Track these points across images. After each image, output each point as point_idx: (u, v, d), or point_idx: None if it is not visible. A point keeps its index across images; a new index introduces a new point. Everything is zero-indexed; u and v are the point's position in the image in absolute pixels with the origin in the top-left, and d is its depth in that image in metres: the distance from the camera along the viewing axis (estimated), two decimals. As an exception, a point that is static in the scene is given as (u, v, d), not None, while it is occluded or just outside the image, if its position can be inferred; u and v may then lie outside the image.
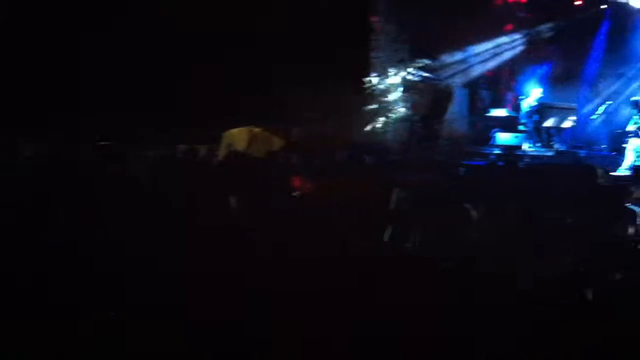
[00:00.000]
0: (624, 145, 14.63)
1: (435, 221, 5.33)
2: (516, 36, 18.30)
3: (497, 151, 14.90)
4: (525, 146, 15.24)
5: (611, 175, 10.53)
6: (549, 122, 16.16)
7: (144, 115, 12.63)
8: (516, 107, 16.94)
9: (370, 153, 10.23)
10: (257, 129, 14.78)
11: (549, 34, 18.18)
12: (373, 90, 14.82)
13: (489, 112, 17.02)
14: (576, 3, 18.01)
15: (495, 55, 18.16)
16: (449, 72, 16.76)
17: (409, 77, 15.44)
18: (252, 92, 13.63)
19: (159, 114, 12.88)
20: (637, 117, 13.61)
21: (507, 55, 18.40)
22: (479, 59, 17.70)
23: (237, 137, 14.44)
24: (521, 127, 16.06)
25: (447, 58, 16.54)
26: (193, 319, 3.44)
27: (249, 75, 13.59)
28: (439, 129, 14.70)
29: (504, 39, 18.13)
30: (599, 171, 7.88)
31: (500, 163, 11.39)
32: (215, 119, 13.41)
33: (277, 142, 14.59)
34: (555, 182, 7.74)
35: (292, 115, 14.10)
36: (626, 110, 14.72)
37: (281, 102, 13.75)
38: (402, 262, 4.64)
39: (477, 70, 17.75)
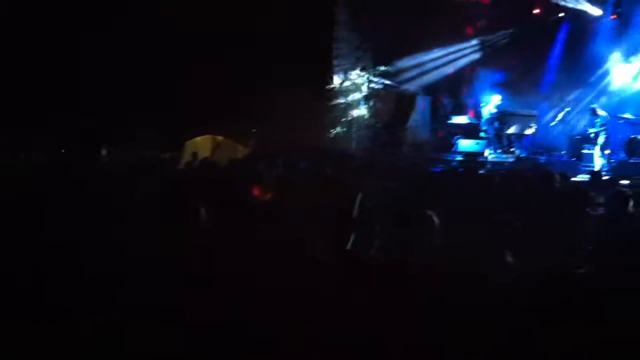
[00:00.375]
0: (583, 151, 14.95)
1: (398, 228, 5.32)
2: (477, 44, 18.62)
3: (459, 158, 15.07)
4: (487, 152, 15.42)
5: (570, 180, 10.74)
6: (510, 129, 16.41)
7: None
8: (477, 115, 17.17)
9: (332, 160, 10.24)
10: (220, 137, 14.75)
11: (508, 42, 18.53)
12: (336, 98, 14.87)
13: (450, 119, 17.21)
14: (535, 12, 18.37)
15: (456, 63, 18.44)
16: (411, 79, 16.93)
17: (372, 84, 15.54)
18: (216, 100, 13.57)
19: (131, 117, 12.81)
20: (599, 122, 13.91)
21: (468, 63, 18.72)
22: (440, 67, 17.94)
23: (201, 145, 14.38)
24: (482, 134, 16.29)
25: (409, 66, 16.70)
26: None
27: (214, 85, 13.55)
28: (402, 136, 14.81)
29: (465, 48, 18.43)
30: (558, 176, 8.00)
31: (461, 169, 11.49)
32: (182, 126, 13.33)
33: (240, 150, 14.57)
34: (515, 187, 7.84)
35: (256, 123, 14.08)
36: (584, 117, 15.03)
37: (245, 110, 13.71)
38: (364, 269, 4.63)
39: (438, 78, 17.98)
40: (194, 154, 13.06)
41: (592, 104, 14.51)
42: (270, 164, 9.80)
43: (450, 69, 18.27)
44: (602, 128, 13.87)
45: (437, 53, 17.50)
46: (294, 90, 13.30)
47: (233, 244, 4.82)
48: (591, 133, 14.15)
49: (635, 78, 17.09)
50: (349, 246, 6.11)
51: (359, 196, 7.05)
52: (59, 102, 12.63)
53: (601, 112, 13.99)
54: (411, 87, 16.99)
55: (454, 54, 18.21)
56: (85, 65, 13.07)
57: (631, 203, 6.66)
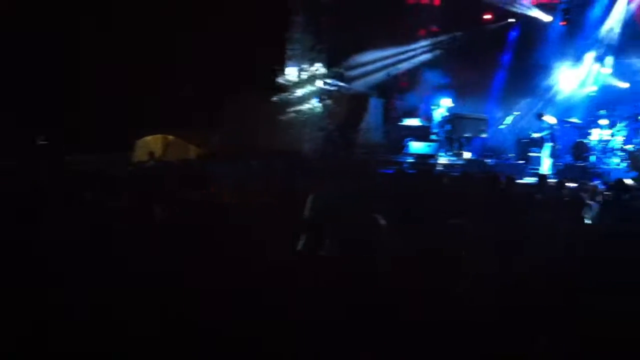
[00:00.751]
0: (530, 154, 15.27)
1: (347, 229, 5.33)
2: (429, 47, 18.86)
3: (410, 160, 15.21)
4: (438, 155, 15.60)
5: (517, 182, 10.96)
6: (461, 132, 16.63)
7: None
8: (429, 117, 17.35)
9: (285, 161, 10.24)
10: (171, 137, 14.57)
11: (460, 46, 18.80)
12: (289, 99, 14.84)
13: (402, 121, 17.35)
14: (485, 17, 18.69)
15: (409, 66, 18.64)
16: (363, 81, 17.03)
17: (326, 86, 15.56)
18: (170, 100, 13.40)
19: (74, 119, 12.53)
20: (545, 127, 14.23)
21: (421, 66, 18.94)
22: (393, 69, 18.10)
23: (153, 144, 14.18)
24: (433, 137, 16.47)
25: (362, 68, 16.80)
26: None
27: (167, 84, 13.37)
28: (354, 138, 14.85)
29: (418, 50, 18.65)
30: (505, 178, 8.16)
31: (412, 171, 11.62)
32: (130, 125, 13.11)
33: (192, 150, 14.43)
34: (465, 189, 7.96)
35: (209, 123, 13.96)
36: (533, 121, 15.36)
37: (197, 110, 13.59)
38: (314, 269, 4.62)
39: (390, 80, 18.13)
40: (151, 154, 12.89)
41: (539, 109, 14.82)
42: (224, 164, 9.74)
43: (403, 72, 18.47)
44: (546, 132, 14.18)
45: (390, 55, 17.65)
46: (247, 90, 13.24)
47: (185, 243, 4.78)
48: (537, 137, 14.46)
49: (582, 83, 17.56)
50: (299, 247, 6.10)
51: (310, 197, 7.05)
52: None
53: (547, 118, 14.29)
54: (364, 89, 17.08)
55: (407, 56, 18.41)
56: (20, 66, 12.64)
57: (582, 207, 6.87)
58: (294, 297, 3.79)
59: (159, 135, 14.44)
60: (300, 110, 14.85)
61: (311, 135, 15.00)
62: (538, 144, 14.82)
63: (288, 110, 14.74)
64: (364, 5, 15.04)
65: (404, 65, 18.49)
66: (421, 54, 18.74)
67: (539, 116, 14.43)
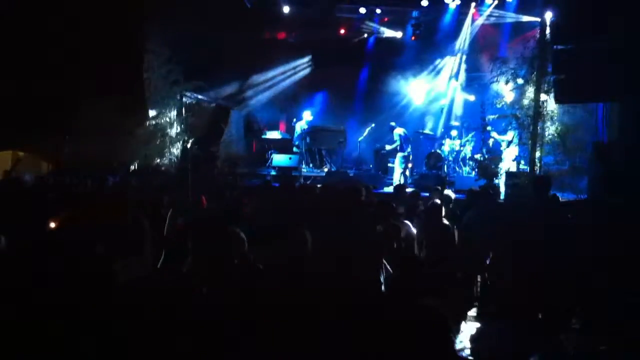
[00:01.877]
0: (388, 164, 15.81)
1: (209, 244, 5.19)
2: (288, 61, 19.08)
3: (273, 172, 15.26)
4: (299, 167, 15.76)
5: (375, 192, 11.29)
6: (320, 144, 16.92)
7: None
8: (290, 130, 17.51)
9: (142, 176, 9.90)
10: (21, 153, 13.66)
11: (320, 60, 19.19)
12: (147, 112, 14.37)
13: (264, 134, 17.39)
14: (340, 32, 19.18)
15: (270, 79, 18.74)
16: (225, 94, 16.90)
17: (185, 99, 15.25)
18: (18, 115, 12.53)
19: None
20: (396, 138, 14.71)
21: (280, 79, 19.11)
22: (254, 82, 18.12)
23: (2, 161, 13.24)
24: (295, 149, 16.64)
25: (222, 80, 16.64)
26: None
27: (16, 98, 12.49)
28: (216, 151, 14.65)
29: (278, 63, 18.80)
30: (365, 189, 8.35)
31: (275, 184, 11.62)
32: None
33: (45, 166, 13.61)
34: (325, 200, 8.05)
35: (63, 137, 13.24)
36: (389, 132, 15.89)
37: (50, 125, 12.84)
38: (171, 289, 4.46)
39: (252, 93, 18.14)
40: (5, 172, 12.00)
41: (392, 122, 15.35)
42: (78, 179, 9.26)
43: (263, 84, 18.53)
44: (395, 144, 14.71)
45: (250, 68, 17.65)
46: (103, 103, 12.67)
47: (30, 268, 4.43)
48: (391, 148, 14.98)
49: (434, 96, 18.48)
50: (159, 264, 5.87)
51: (170, 212, 6.84)
52: None
53: (398, 130, 14.80)
54: (225, 101, 16.94)
55: (268, 69, 18.52)
56: None
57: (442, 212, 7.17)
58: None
59: (7, 152, 13.51)
60: (158, 123, 14.42)
61: (171, 148, 14.62)
62: (394, 154, 15.38)
63: (146, 123, 14.27)
64: (221, 17, 14.93)
65: (267, 80, 18.58)
66: (283, 69, 18.97)
67: (391, 129, 14.95)
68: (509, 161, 13.68)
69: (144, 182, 8.99)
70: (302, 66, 19.41)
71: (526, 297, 5.53)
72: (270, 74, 18.69)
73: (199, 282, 4.80)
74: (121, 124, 13.23)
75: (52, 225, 5.99)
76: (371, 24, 18.68)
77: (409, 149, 14.72)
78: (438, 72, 18.50)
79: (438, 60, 18.45)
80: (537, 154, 12.12)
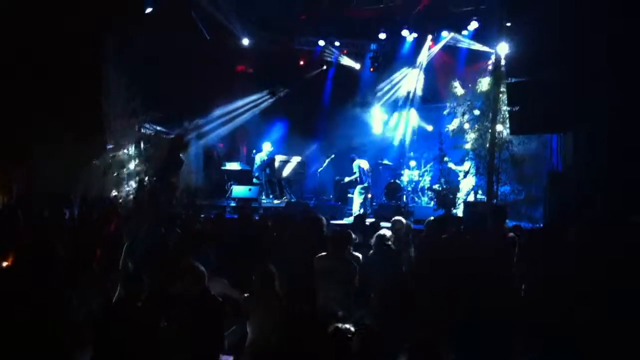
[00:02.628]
0: (348, 195, 15.85)
1: (167, 277, 5.11)
2: (248, 92, 19.13)
3: (232, 203, 15.15)
4: (259, 198, 15.68)
5: (333, 223, 11.31)
6: (281, 175, 16.90)
7: None
8: (250, 161, 17.47)
9: (100, 207, 9.73)
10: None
11: (280, 91, 19.29)
12: (105, 142, 14.17)
13: (224, 165, 17.31)
14: (300, 63, 19.34)
15: (230, 110, 18.73)
16: (185, 125, 16.80)
17: (143, 130, 15.11)
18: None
19: None
20: (355, 169, 14.81)
21: (241, 110, 19.12)
22: (213, 112, 18.07)
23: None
24: (255, 180, 16.59)
25: (182, 111, 16.56)
26: None
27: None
28: (175, 182, 14.49)
29: (237, 95, 18.83)
30: (324, 220, 8.34)
31: (235, 215, 11.55)
32: None
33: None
34: (285, 231, 8.01)
35: (16, 168, 12.98)
36: (349, 163, 15.98)
37: (3, 157, 12.58)
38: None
39: (211, 125, 18.09)
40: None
41: (351, 153, 15.47)
42: (31, 212, 9.05)
43: (224, 116, 18.51)
44: (355, 176, 14.83)
45: (210, 99, 17.63)
46: (59, 132, 12.48)
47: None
48: (350, 180, 15.09)
49: (394, 126, 18.70)
50: (115, 298, 5.74)
51: (126, 244, 6.73)
52: None
53: (358, 162, 14.91)
54: (184, 133, 16.83)
55: (228, 100, 18.53)
56: None
57: (390, 241, 7.17)
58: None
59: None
60: (116, 155, 14.23)
61: (129, 179, 14.42)
62: (354, 185, 15.44)
63: (104, 153, 14.07)
64: (178, 45, 14.94)
65: (227, 111, 18.58)
66: (244, 105, 19.04)
67: (351, 160, 15.05)
68: (466, 191, 13.90)
69: (100, 214, 8.80)
70: (261, 97, 19.47)
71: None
72: (231, 105, 18.70)
73: (155, 316, 4.72)
74: (79, 155, 13.04)
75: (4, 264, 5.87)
76: (330, 55, 18.89)
77: (369, 181, 14.83)
78: (396, 102, 18.73)
79: (396, 91, 18.69)
80: (494, 184, 12.31)
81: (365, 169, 14.85)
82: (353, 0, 15.96)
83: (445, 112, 14.02)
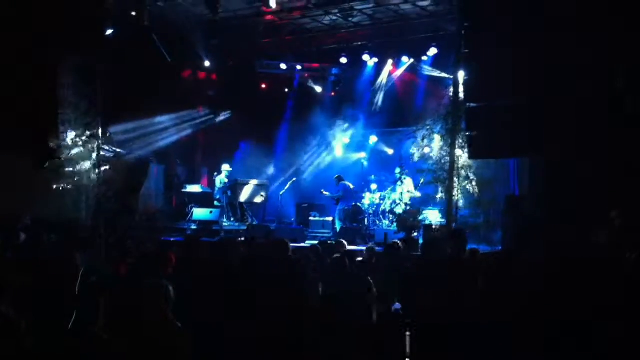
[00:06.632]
0: (310, 218, 15.86)
1: (128, 300, 5.04)
2: (210, 114, 19.13)
3: (193, 226, 15.03)
4: (220, 220, 15.59)
5: (294, 246, 11.28)
6: (241, 198, 16.82)
7: None
8: (211, 184, 17.38)
9: (56, 232, 9.55)
10: None
11: (241, 113, 19.28)
12: (62, 165, 13.90)
13: (185, 187, 17.19)
14: (262, 86, 19.43)
15: (191, 132, 18.66)
16: (144, 147, 16.65)
17: (102, 152, 14.88)
18: None
19: None
20: (341, 192, 15.18)
21: (202, 132, 19.08)
22: (174, 135, 17.96)
23: None
24: (216, 203, 16.49)
25: (142, 133, 16.42)
26: None
27: None
28: (134, 205, 14.31)
29: (199, 117, 18.80)
30: (288, 244, 8.34)
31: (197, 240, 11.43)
32: None
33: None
34: (248, 254, 7.99)
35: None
36: (310, 186, 16.06)
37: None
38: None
39: (172, 146, 17.97)
40: None
41: (337, 174, 15.96)
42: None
43: (183, 138, 18.43)
44: (338, 195, 15.26)
45: (169, 121, 17.54)
46: (13, 158, 12.21)
47: None
48: (330, 196, 15.45)
49: (353, 149, 18.85)
50: (70, 325, 5.63)
51: (82, 270, 6.60)
52: None
53: (345, 182, 15.30)
54: (144, 154, 16.66)
55: (190, 122, 18.48)
56: None
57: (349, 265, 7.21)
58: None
59: None
60: (74, 178, 13.97)
61: (88, 203, 14.15)
62: (316, 208, 15.52)
63: (61, 177, 13.79)
64: (141, 74, 14.87)
65: (186, 133, 18.51)
66: (204, 123, 19.01)
67: (338, 179, 15.36)
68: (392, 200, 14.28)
69: (55, 239, 8.64)
70: (223, 120, 19.46)
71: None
72: (192, 127, 18.64)
73: (113, 344, 4.64)
74: (35, 179, 12.78)
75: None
76: (292, 79, 19.03)
77: (354, 202, 15.38)
78: (357, 126, 18.87)
79: (357, 114, 18.86)
80: (453, 207, 12.48)
81: (351, 189, 15.16)
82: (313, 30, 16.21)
83: (405, 136, 14.24)
